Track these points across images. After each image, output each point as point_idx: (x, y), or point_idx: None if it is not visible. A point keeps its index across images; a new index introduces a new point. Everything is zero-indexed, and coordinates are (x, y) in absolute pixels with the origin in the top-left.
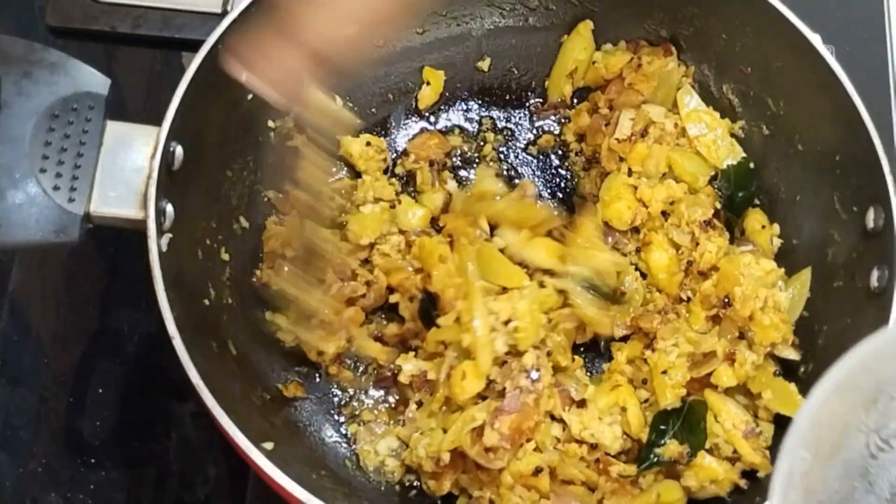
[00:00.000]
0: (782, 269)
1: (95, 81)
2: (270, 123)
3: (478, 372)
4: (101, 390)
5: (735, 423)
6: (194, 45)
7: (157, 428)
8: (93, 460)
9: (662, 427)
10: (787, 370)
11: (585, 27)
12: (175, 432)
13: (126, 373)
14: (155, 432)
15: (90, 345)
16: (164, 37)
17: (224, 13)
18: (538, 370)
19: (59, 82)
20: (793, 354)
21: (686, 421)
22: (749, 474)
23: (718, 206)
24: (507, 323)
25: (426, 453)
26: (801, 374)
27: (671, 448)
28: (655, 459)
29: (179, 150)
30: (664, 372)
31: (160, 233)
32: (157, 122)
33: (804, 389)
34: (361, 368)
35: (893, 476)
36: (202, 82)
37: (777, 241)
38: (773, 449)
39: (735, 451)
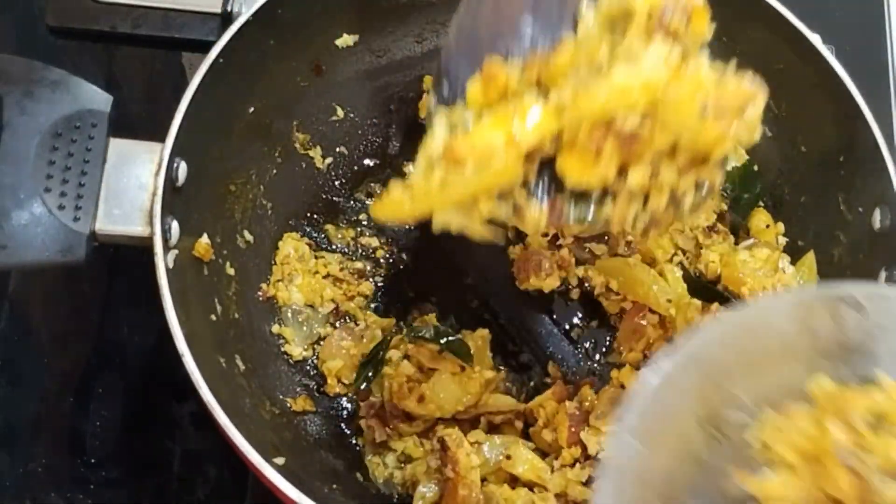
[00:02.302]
0: (779, 251)
1: (97, 99)
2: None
3: None
4: (100, 390)
5: None
6: (194, 46)
7: (158, 428)
8: (93, 460)
9: None
10: None
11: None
12: (175, 432)
13: (126, 373)
14: (155, 432)
15: (90, 345)
16: (164, 37)
17: (224, 13)
18: None
19: (62, 100)
20: None
21: None
22: None
23: (725, 207)
24: None
25: None
26: None
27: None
28: None
29: (183, 166)
30: None
31: (166, 249)
32: (158, 124)
33: None
34: None
35: (729, 462)
36: (204, 97)
37: (783, 240)
38: None
39: None
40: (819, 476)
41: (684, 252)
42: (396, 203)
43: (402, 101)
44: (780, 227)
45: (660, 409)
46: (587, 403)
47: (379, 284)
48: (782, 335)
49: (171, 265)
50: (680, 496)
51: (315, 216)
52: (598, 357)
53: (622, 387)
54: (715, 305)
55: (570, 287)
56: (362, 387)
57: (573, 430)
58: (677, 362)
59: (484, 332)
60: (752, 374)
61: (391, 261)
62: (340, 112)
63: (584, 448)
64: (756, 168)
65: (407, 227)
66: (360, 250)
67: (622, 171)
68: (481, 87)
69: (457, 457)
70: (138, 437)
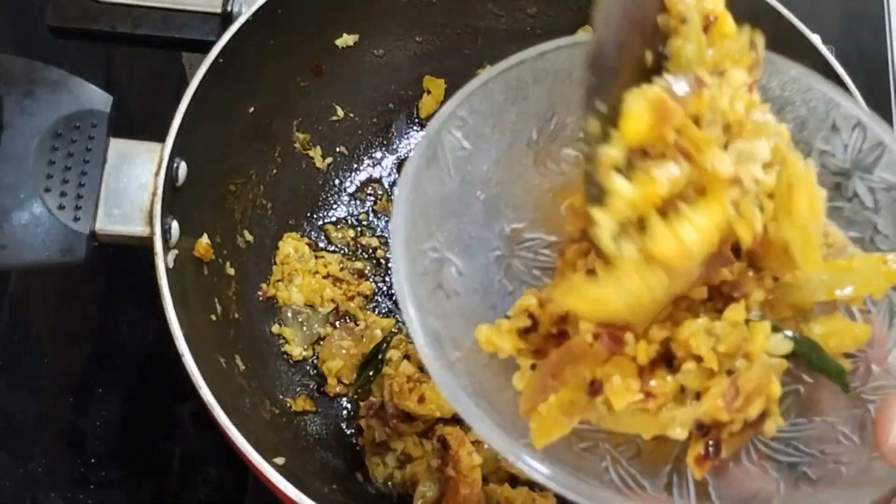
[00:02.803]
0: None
1: (97, 99)
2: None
3: None
4: (100, 390)
5: None
6: (195, 46)
7: (158, 428)
8: (93, 460)
9: None
10: None
11: (585, 33)
12: (175, 432)
13: (126, 373)
14: (155, 432)
15: (90, 345)
16: (164, 37)
17: (224, 13)
18: None
19: (62, 100)
20: None
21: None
22: None
23: None
24: None
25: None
26: None
27: None
28: None
29: (183, 166)
30: None
31: (167, 249)
32: (158, 124)
33: None
34: None
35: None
36: (204, 97)
37: None
38: None
39: None
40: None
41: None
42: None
43: (402, 101)
44: None
45: (488, 109)
46: None
47: (379, 284)
48: None
49: (171, 265)
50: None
51: (315, 216)
52: None
53: None
54: None
55: None
56: (362, 387)
57: None
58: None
59: None
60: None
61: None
62: (340, 112)
63: None
64: None
65: None
66: (360, 250)
67: None
68: (648, 121)
69: (458, 455)
70: (138, 437)
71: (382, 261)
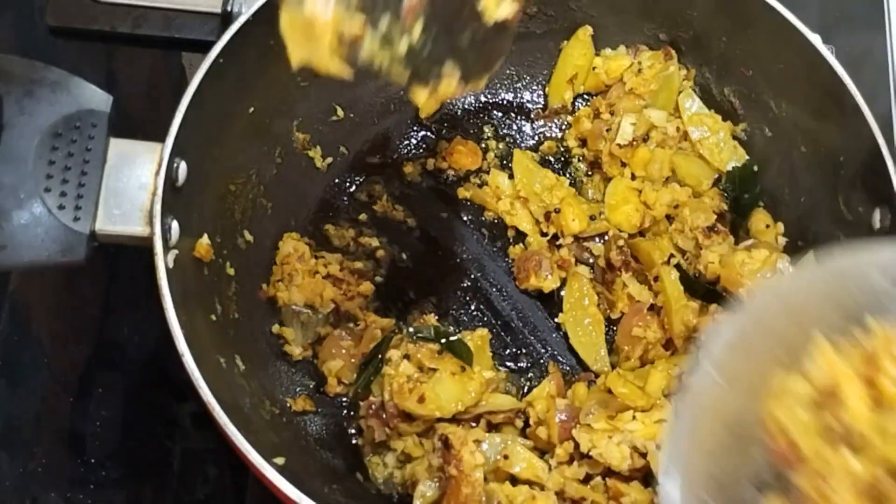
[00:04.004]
0: (778, 251)
1: (97, 99)
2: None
3: None
4: (101, 390)
5: None
6: (195, 46)
7: (158, 428)
8: (93, 460)
9: None
10: None
11: (585, 33)
12: (175, 432)
13: (126, 373)
14: (155, 432)
15: (90, 345)
16: (164, 37)
17: (224, 13)
18: None
19: (62, 101)
20: None
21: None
22: None
23: (725, 207)
24: None
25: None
26: None
27: None
28: None
29: (183, 166)
30: None
31: (167, 249)
32: (158, 124)
33: None
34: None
35: None
36: (204, 97)
37: (782, 240)
38: None
39: None
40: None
41: (683, 253)
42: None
43: (402, 101)
44: (780, 227)
45: (743, 346)
46: (577, 403)
47: (379, 284)
48: (874, 287)
49: (171, 265)
50: (750, 433)
51: (315, 216)
52: None
53: (608, 391)
54: (713, 307)
55: None
56: (362, 388)
57: (564, 426)
58: (766, 301)
59: (484, 332)
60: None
61: (391, 261)
62: (340, 112)
63: (577, 445)
64: (756, 168)
65: (407, 226)
66: (360, 250)
67: None
68: None
69: (461, 455)
70: (138, 437)
71: (382, 260)
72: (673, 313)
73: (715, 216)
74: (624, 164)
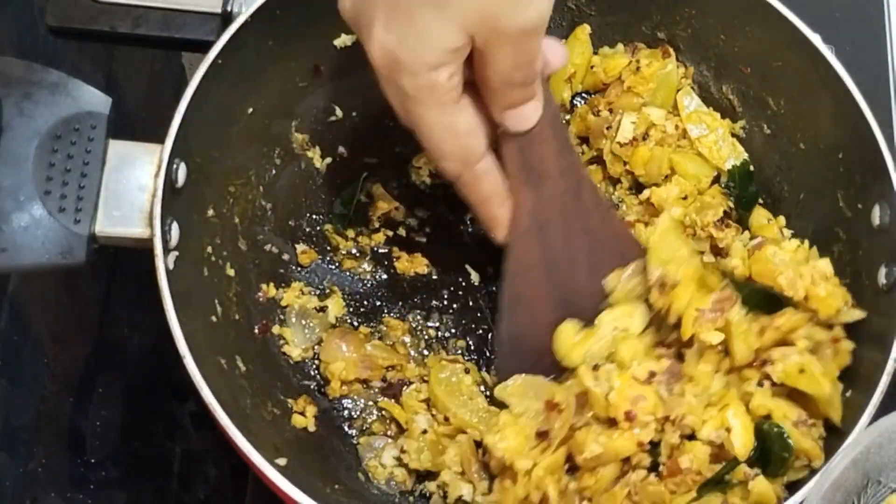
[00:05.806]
0: (806, 243)
1: (97, 101)
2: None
3: None
4: (101, 390)
5: (787, 414)
6: (195, 46)
7: (158, 428)
8: (93, 460)
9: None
10: None
11: (583, 31)
12: (175, 432)
13: (126, 373)
14: (155, 432)
15: (90, 344)
16: (164, 37)
17: (224, 13)
18: None
19: (61, 103)
20: (857, 314)
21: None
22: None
23: (731, 204)
24: None
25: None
26: None
27: (740, 471)
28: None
29: (183, 168)
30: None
31: (167, 251)
32: (157, 125)
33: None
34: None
35: None
36: (204, 97)
37: (787, 232)
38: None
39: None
40: None
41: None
42: None
43: None
44: (782, 220)
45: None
46: None
47: (379, 284)
48: None
49: (171, 267)
50: None
51: (315, 216)
52: None
53: None
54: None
55: None
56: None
57: None
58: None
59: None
60: None
61: (391, 261)
62: (340, 112)
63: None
64: (751, 168)
65: (407, 226)
66: (360, 250)
67: None
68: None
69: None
70: (138, 437)
71: (383, 261)
72: (735, 337)
73: (722, 212)
74: (625, 163)
